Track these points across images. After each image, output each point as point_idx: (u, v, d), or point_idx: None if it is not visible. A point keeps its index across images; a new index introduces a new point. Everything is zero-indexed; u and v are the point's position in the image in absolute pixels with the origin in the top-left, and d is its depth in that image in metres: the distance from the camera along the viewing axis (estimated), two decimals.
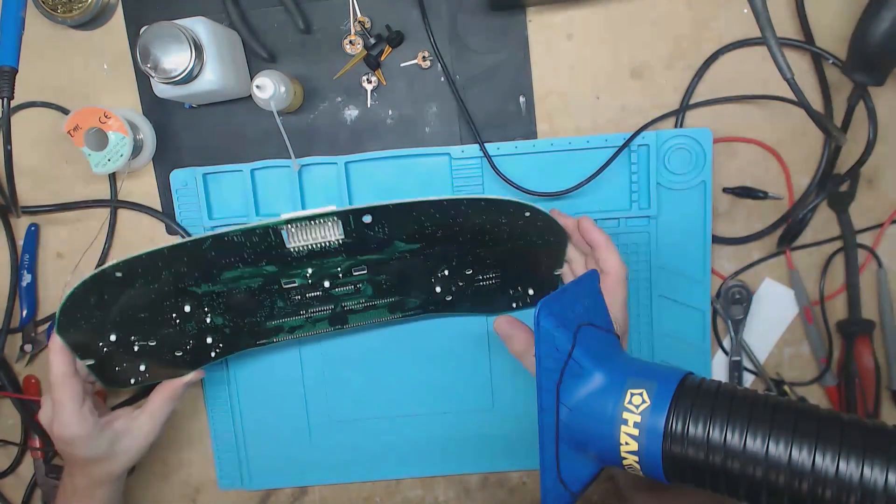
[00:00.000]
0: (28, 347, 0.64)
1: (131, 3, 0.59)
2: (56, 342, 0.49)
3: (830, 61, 0.55)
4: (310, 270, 0.52)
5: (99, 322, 0.50)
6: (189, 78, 0.52)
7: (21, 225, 0.63)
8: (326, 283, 0.54)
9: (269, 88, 0.52)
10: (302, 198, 0.59)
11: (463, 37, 0.58)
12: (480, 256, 0.54)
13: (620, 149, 0.56)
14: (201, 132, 0.61)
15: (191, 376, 0.56)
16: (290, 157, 0.57)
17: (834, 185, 0.56)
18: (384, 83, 0.59)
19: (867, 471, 0.30)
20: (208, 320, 0.54)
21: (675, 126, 0.58)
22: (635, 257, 0.59)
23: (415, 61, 0.58)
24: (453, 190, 0.59)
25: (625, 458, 0.37)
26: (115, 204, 0.62)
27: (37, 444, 0.64)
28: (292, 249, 0.50)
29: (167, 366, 0.55)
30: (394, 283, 0.56)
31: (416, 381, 0.63)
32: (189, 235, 0.60)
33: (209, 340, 0.55)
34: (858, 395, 0.60)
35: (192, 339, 0.54)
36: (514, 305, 0.59)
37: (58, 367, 0.49)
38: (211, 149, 0.61)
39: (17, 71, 0.48)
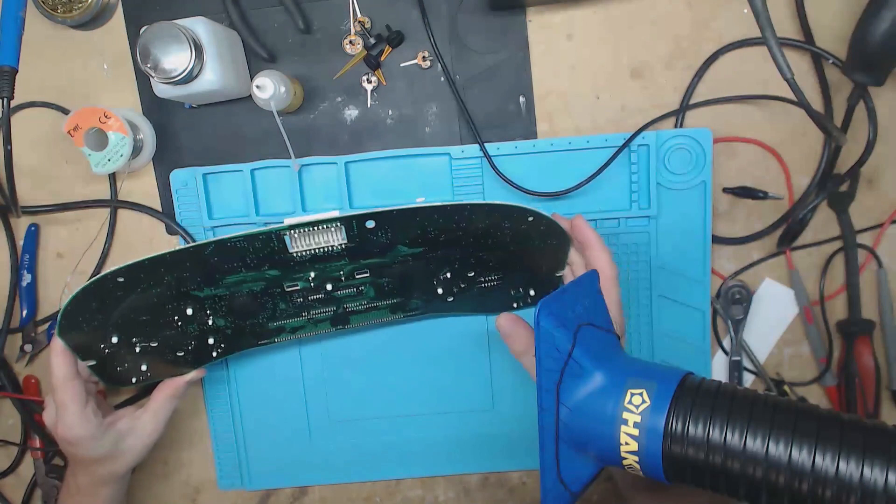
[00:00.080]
0: (28, 347, 0.64)
1: (131, 3, 0.59)
2: (57, 344, 0.49)
3: (830, 61, 0.55)
4: (312, 274, 0.52)
5: (100, 325, 0.50)
6: (189, 78, 0.52)
7: (21, 225, 0.63)
8: (329, 286, 0.54)
9: (269, 88, 0.52)
10: (302, 198, 0.59)
11: (463, 37, 0.58)
12: (483, 259, 0.54)
13: (620, 149, 0.56)
14: (201, 132, 0.61)
15: (192, 375, 0.56)
16: (290, 157, 0.57)
17: (834, 185, 0.56)
18: (384, 83, 0.59)
19: (867, 471, 0.30)
20: (210, 322, 0.54)
21: (675, 126, 0.58)
22: (635, 257, 0.59)
23: (415, 61, 0.58)
24: (453, 190, 0.59)
25: (625, 458, 0.37)
26: (115, 204, 0.62)
27: (37, 444, 0.64)
28: (295, 254, 0.50)
29: (169, 365, 0.55)
30: (396, 286, 0.56)
31: (416, 381, 0.63)
32: (189, 235, 0.60)
33: (211, 341, 0.55)
34: (858, 395, 0.60)
35: (193, 340, 0.54)
36: (515, 305, 0.59)
37: (59, 369, 0.49)
38: (211, 149, 0.61)
39: (17, 71, 0.48)
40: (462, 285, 0.57)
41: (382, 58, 0.58)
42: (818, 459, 0.31)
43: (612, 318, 0.45)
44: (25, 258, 0.63)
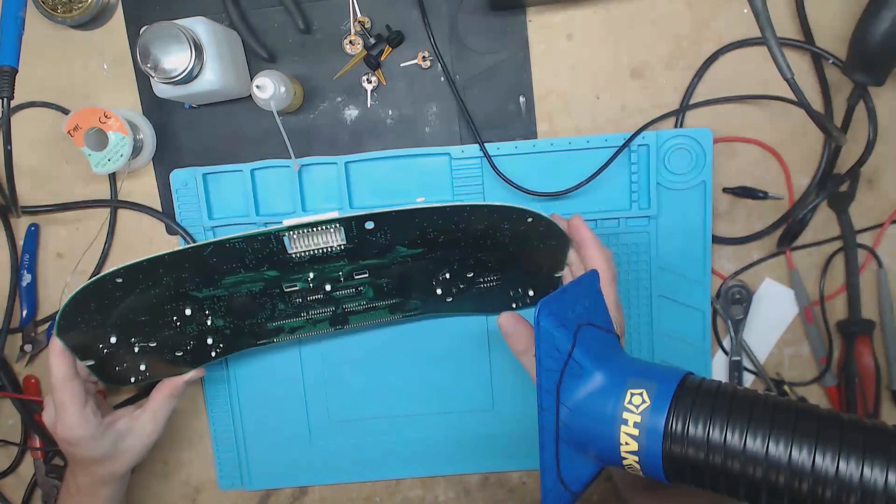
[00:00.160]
0: (28, 347, 0.64)
1: (131, 3, 0.59)
2: (56, 345, 0.49)
3: (830, 61, 0.55)
4: (311, 275, 0.52)
5: (99, 325, 0.50)
6: (189, 78, 0.52)
7: (21, 225, 0.63)
8: (328, 287, 0.54)
9: (269, 88, 0.52)
10: (302, 198, 0.59)
11: (463, 37, 0.58)
12: (482, 260, 0.54)
13: (620, 149, 0.56)
14: (201, 132, 0.61)
15: (191, 374, 0.56)
16: (290, 157, 0.57)
17: (834, 185, 0.56)
18: (384, 83, 0.59)
19: (867, 471, 0.30)
20: (209, 322, 0.54)
21: (675, 126, 0.58)
22: (635, 257, 0.59)
23: (415, 61, 0.58)
24: (453, 190, 0.59)
25: (625, 458, 0.37)
26: (115, 204, 0.62)
27: (37, 444, 0.64)
28: (294, 255, 0.50)
29: (168, 365, 0.55)
30: (395, 286, 0.56)
31: (416, 382, 0.63)
32: (189, 235, 0.60)
33: (209, 341, 0.55)
34: (858, 395, 0.60)
35: (192, 340, 0.54)
36: (514, 306, 0.59)
37: (58, 369, 0.49)
38: (211, 149, 0.61)
39: (17, 71, 0.48)
40: (461, 286, 0.57)
41: (382, 58, 0.58)
42: (818, 459, 0.31)
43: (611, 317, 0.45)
44: (25, 258, 0.63)
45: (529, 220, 0.49)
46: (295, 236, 0.49)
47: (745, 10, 0.56)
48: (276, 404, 0.63)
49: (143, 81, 0.60)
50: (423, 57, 0.58)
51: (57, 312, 0.48)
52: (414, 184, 0.59)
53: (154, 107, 0.61)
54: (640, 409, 0.36)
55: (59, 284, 0.64)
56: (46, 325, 0.64)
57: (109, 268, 0.62)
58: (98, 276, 0.47)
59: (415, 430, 0.63)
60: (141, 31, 0.51)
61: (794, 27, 0.57)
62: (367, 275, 0.54)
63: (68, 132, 0.55)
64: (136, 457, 0.53)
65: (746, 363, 0.62)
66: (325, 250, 0.50)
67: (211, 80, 0.53)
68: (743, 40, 0.57)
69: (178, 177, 0.60)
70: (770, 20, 0.44)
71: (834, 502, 0.31)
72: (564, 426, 0.38)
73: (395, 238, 0.51)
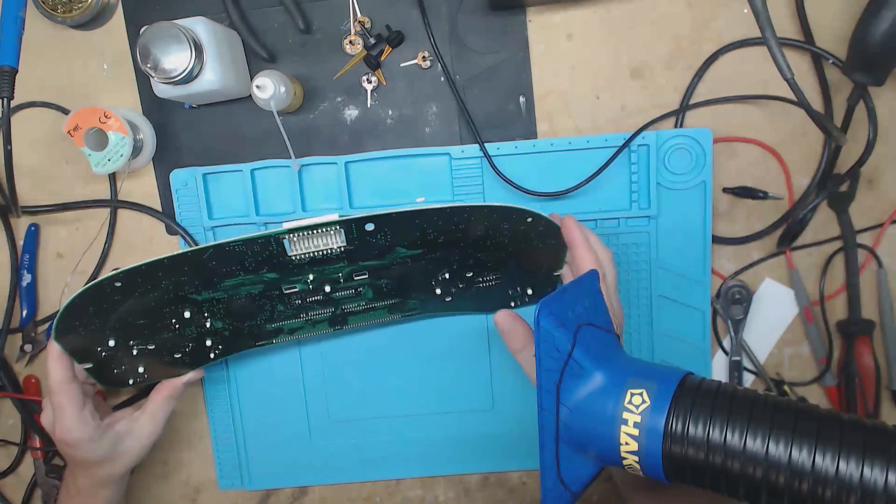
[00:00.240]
0: (28, 347, 0.64)
1: (131, 3, 0.59)
2: (54, 348, 0.49)
3: (830, 61, 0.55)
4: (311, 276, 0.52)
5: (97, 328, 0.50)
6: (189, 78, 0.52)
7: (21, 225, 0.63)
8: (327, 288, 0.54)
9: (269, 88, 0.52)
10: (302, 198, 0.59)
11: (463, 37, 0.58)
12: (481, 260, 0.54)
13: (620, 149, 0.56)
14: (201, 132, 0.61)
15: (190, 375, 0.56)
16: (290, 157, 0.57)
17: (834, 185, 0.56)
18: (384, 83, 0.59)
19: (867, 471, 0.30)
20: (208, 325, 0.54)
21: (675, 126, 0.58)
22: (635, 257, 0.59)
23: (415, 61, 0.58)
24: (453, 190, 0.59)
25: (625, 458, 0.37)
26: (115, 204, 0.62)
27: (37, 444, 0.64)
28: (293, 257, 0.50)
29: (166, 367, 0.55)
30: (394, 287, 0.56)
31: (415, 381, 0.63)
32: (189, 235, 0.60)
33: (208, 343, 0.55)
34: (858, 395, 0.60)
35: (191, 342, 0.54)
36: (513, 305, 0.59)
37: (56, 373, 0.49)
38: (211, 149, 0.61)
39: (17, 71, 0.48)
40: (460, 285, 0.57)
41: (382, 58, 0.58)
42: (818, 459, 0.31)
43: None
44: (25, 258, 0.63)
45: (529, 219, 0.49)
46: (295, 239, 0.49)
47: (745, 10, 0.56)
48: (276, 404, 0.63)
49: (143, 81, 0.60)
50: (423, 57, 0.58)
51: (56, 314, 0.48)
52: (414, 184, 0.59)
53: (154, 107, 0.61)
54: (640, 409, 0.36)
55: (59, 284, 0.64)
56: (46, 325, 0.64)
57: (109, 268, 0.63)
58: (96, 280, 0.47)
59: (415, 430, 0.63)
60: (141, 31, 0.51)
61: (794, 27, 0.57)
62: (366, 276, 0.54)
63: (68, 132, 0.55)
64: (135, 458, 0.53)
65: (746, 363, 0.62)
66: (325, 252, 0.50)
67: (211, 80, 0.53)
68: (743, 40, 0.57)
69: (178, 177, 0.60)
70: (770, 20, 0.44)
71: (834, 502, 0.31)
72: (564, 426, 0.38)
73: (395, 239, 0.51)
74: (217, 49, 0.53)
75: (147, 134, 0.60)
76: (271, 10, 0.58)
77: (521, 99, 0.59)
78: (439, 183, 0.59)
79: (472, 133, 0.57)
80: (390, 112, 0.59)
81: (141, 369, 0.54)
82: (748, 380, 0.62)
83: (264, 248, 0.49)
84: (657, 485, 0.42)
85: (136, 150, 0.58)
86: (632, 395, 0.36)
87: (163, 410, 0.54)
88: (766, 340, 0.62)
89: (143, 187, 0.62)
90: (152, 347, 0.53)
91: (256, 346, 0.57)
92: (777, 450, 0.32)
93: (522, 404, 0.62)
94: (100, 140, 0.55)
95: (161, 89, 0.54)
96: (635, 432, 0.36)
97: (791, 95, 0.47)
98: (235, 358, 0.62)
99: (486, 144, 0.57)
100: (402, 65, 0.58)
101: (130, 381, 0.54)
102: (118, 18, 0.60)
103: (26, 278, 0.63)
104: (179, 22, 0.52)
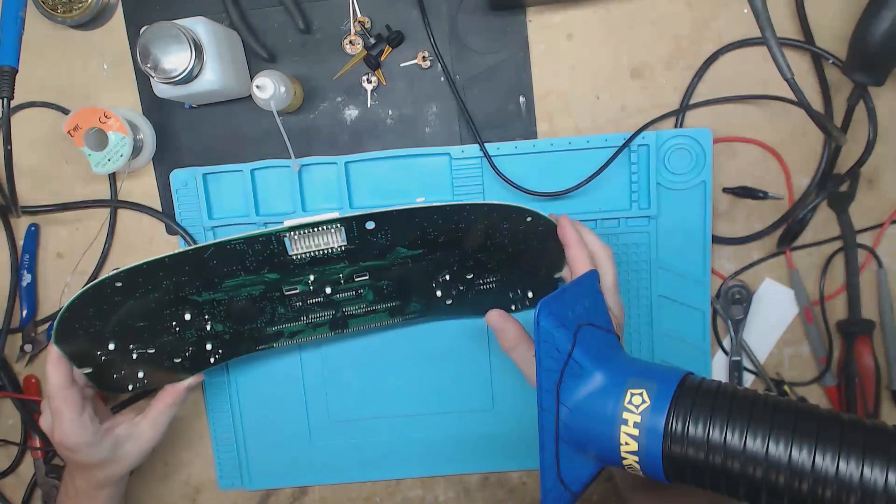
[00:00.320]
0: (28, 347, 0.64)
1: (131, 3, 0.59)
2: (53, 352, 0.49)
3: (830, 61, 0.55)
4: (311, 277, 0.52)
5: (97, 331, 0.49)
6: (189, 78, 0.52)
7: (21, 225, 0.63)
8: (328, 290, 0.54)
9: (269, 88, 0.52)
10: (302, 198, 0.59)
11: (463, 37, 0.58)
12: (481, 261, 0.54)
13: (620, 149, 0.56)
14: (201, 132, 0.61)
15: (191, 380, 0.55)
16: (290, 157, 0.57)
17: (834, 185, 0.56)
18: (384, 83, 0.59)
19: (867, 471, 0.30)
20: (208, 327, 0.54)
21: (675, 126, 0.58)
22: (635, 257, 0.59)
23: (415, 61, 0.58)
24: (453, 190, 0.59)
25: (625, 458, 0.37)
26: (115, 204, 0.62)
27: (37, 444, 0.64)
28: (294, 257, 0.50)
29: (166, 372, 0.55)
30: (395, 289, 0.56)
31: (415, 382, 0.63)
32: (189, 235, 0.60)
33: (209, 347, 0.55)
34: (858, 395, 0.60)
35: (191, 346, 0.54)
36: (513, 308, 0.59)
37: (55, 377, 0.49)
38: (211, 149, 0.61)
39: (17, 71, 0.48)
40: (461, 287, 0.57)
41: (382, 58, 0.58)
42: (818, 459, 0.31)
43: None
44: (25, 258, 0.63)
45: (529, 219, 0.49)
46: (296, 237, 0.49)
47: (745, 10, 0.56)
48: (276, 404, 0.63)
49: (143, 81, 0.60)
50: (423, 57, 0.58)
51: (57, 314, 0.48)
52: (414, 184, 0.59)
53: (154, 107, 0.61)
54: (640, 409, 0.36)
55: (59, 284, 0.64)
56: (46, 325, 0.64)
57: (109, 268, 0.63)
58: (97, 280, 0.47)
59: (415, 430, 0.63)
60: (141, 31, 0.51)
61: (794, 27, 0.57)
62: (367, 277, 0.54)
63: (68, 132, 0.55)
64: (134, 461, 0.53)
65: (746, 363, 0.62)
66: (325, 251, 0.50)
67: (211, 80, 0.53)
68: (743, 40, 0.57)
69: (178, 177, 0.60)
70: (770, 20, 0.44)
71: (834, 502, 0.31)
72: (564, 426, 0.38)
73: (395, 238, 0.51)
74: (217, 49, 0.53)
75: (147, 134, 0.60)
76: (271, 10, 0.58)
77: (521, 99, 0.59)
78: (439, 183, 0.59)
79: (472, 133, 0.57)
80: (390, 112, 0.59)
81: (140, 374, 0.54)
82: (748, 380, 0.62)
83: (265, 246, 0.49)
84: (657, 485, 0.42)
85: (136, 150, 0.58)
86: (632, 395, 0.36)
87: (165, 416, 0.54)
88: (766, 340, 0.62)
89: (143, 187, 0.62)
90: (152, 351, 0.53)
91: (257, 350, 0.57)
92: (777, 450, 0.32)
93: (522, 404, 0.62)
94: (100, 140, 0.55)
95: (161, 89, 0.54)
96: (635, 432, 0.36)
97: (791, 95, 0.47)
98: (236, 360, 0.62)
99: (486, 144, 0.57)
100: (402, 65, 0.58)
101: (130, 387, 0.54)
102: (118, 18, 0.60)
103: (26, 278, 0.63)
104: (179, 22, 0.52)
